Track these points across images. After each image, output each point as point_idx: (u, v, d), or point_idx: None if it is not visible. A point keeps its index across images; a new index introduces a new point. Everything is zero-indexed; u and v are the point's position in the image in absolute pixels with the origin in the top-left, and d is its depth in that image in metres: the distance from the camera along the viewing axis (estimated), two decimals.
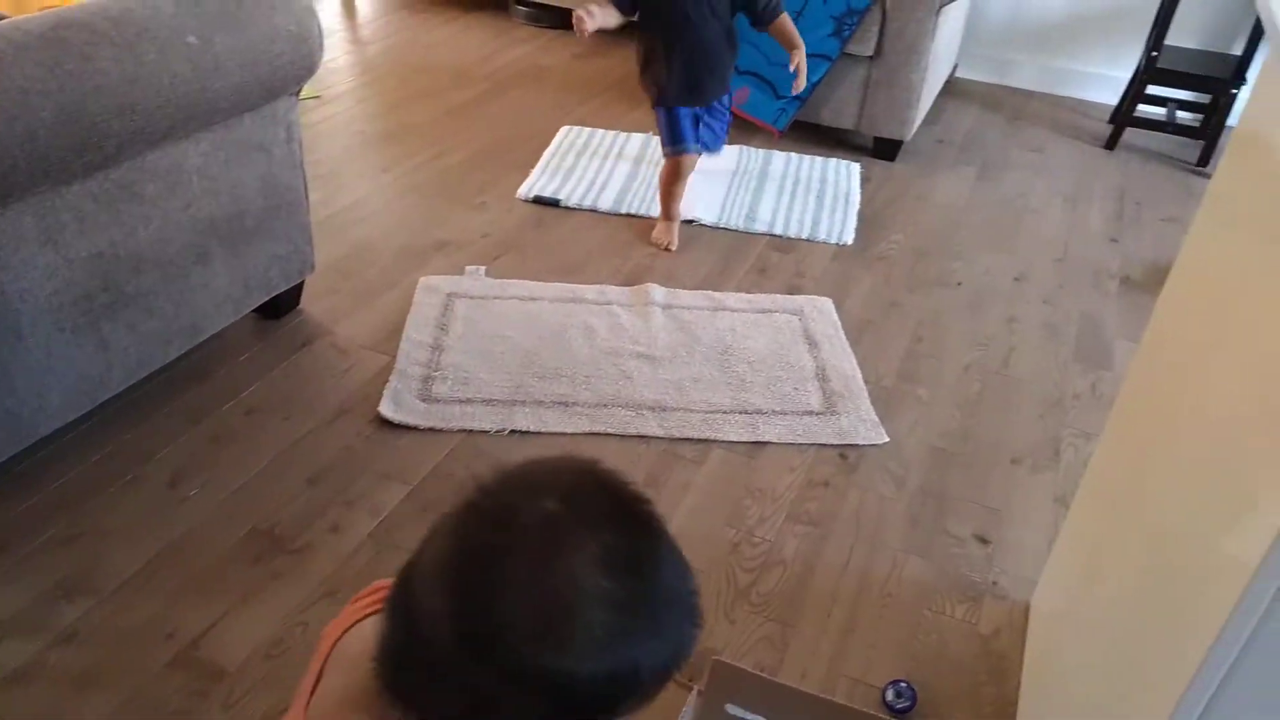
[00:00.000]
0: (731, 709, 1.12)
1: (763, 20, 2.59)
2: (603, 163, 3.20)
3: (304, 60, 1.94)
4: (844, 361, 2.31)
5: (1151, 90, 3.60)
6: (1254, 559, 0.74)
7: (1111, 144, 3.66)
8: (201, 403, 2.05)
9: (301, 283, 2.31)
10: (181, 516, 1.78)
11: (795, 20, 2.63)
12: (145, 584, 1.65)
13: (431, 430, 2.02)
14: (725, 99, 2.76)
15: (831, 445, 2.07)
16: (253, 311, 2.19)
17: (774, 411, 2.14)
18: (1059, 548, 1.67)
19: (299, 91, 2.04)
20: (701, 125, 2.74)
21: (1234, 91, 3.48)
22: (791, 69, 2.61)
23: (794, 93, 2.69)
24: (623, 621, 0.69)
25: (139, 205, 1.75)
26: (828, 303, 2.54)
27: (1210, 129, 3.56)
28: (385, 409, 2.06)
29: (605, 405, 2.12)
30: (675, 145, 2.72)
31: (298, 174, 2.11)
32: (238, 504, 1.82)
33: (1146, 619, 1.02)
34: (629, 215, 2.93)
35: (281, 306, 2.30)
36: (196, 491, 1.84)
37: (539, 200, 2.97)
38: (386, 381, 2.13)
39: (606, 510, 0.74)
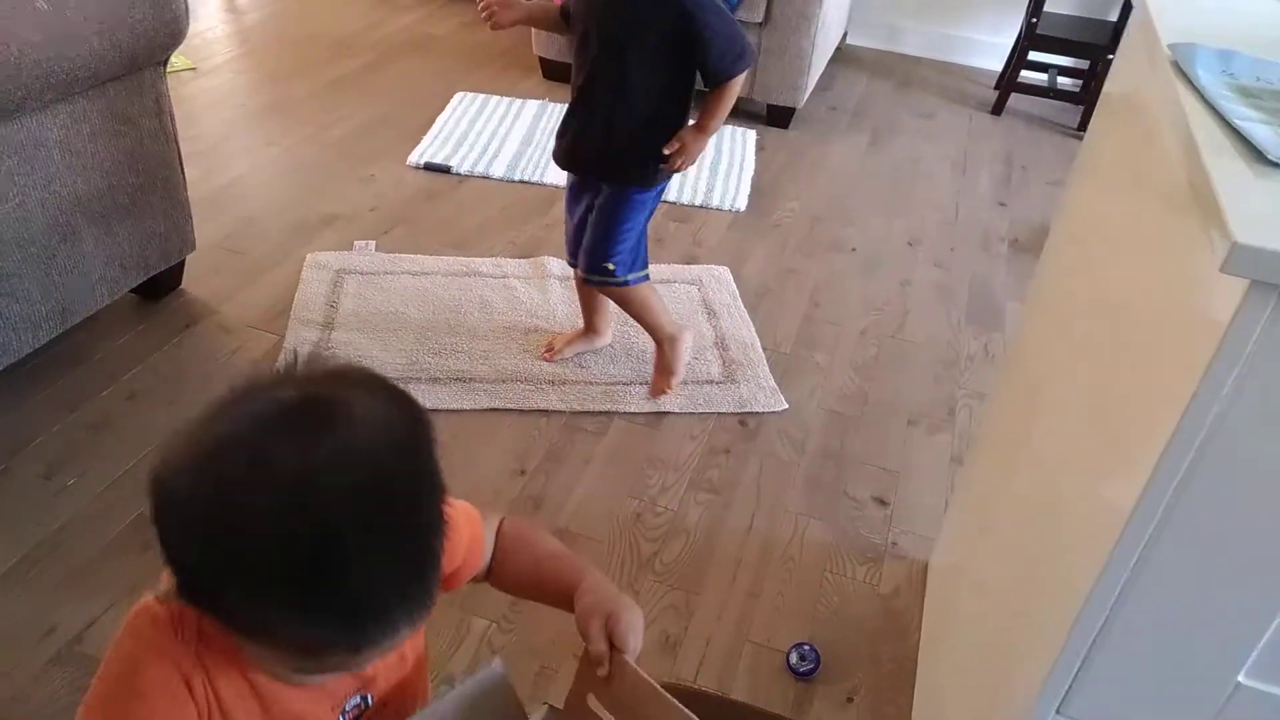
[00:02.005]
0: (592, 702, 0.94)
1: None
2: (496, 129, 3.15)
3: (168, 27, 1.83)
4: (742, 330, 2.32)
5: (1033, 56, 3.68)
6: (1128, 501, 0.75)
7: (998, 109, 3.74)
8: (78, 389, 1.95)
9: (182, 262, 2.21)
10: (59, 508, 1.70)
11: None
12: (21, 580, 1.57)
13: None
14: None
15: (732, 413, 2.07)
16: (131, 292, 2.10)
17: None
18: (954, 506, 1.71)
19: (166, 61, 1.93)
20: None
21: (1110, 57, 3.57)
22: (671, 146, 1.82)
23: (669, 168, 1.87)
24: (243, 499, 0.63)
25: None
26: (725, 271, 2.54)
27: (1089, 94, 3.67)
28: None
29: (504, 380, 2.09)
30: (646, 264, 2.00)
31: (171, 148, 2.01)
32: (121, 492, 1.74)
33: (1032, 569, 1.05)
34: (522, 183, 2.88)
35: (161, 287, 2.20)
36: (75, 481, 1.75)
37: (429, 167, 2.90)
38: (275, 362, 2.06)
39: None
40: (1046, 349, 1.27)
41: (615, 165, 1.89)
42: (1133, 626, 0.79)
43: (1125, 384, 0.88)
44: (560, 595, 0.92)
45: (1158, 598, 0.78)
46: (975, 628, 1.30)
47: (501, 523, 0.99)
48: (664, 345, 2.07)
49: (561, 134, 1.92)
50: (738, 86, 1.83)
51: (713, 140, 3.14)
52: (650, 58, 1.77)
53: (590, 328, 2.18)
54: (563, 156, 1.94)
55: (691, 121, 1.84)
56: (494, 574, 0.98)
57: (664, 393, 2.08)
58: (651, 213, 1.97)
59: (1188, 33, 0.94)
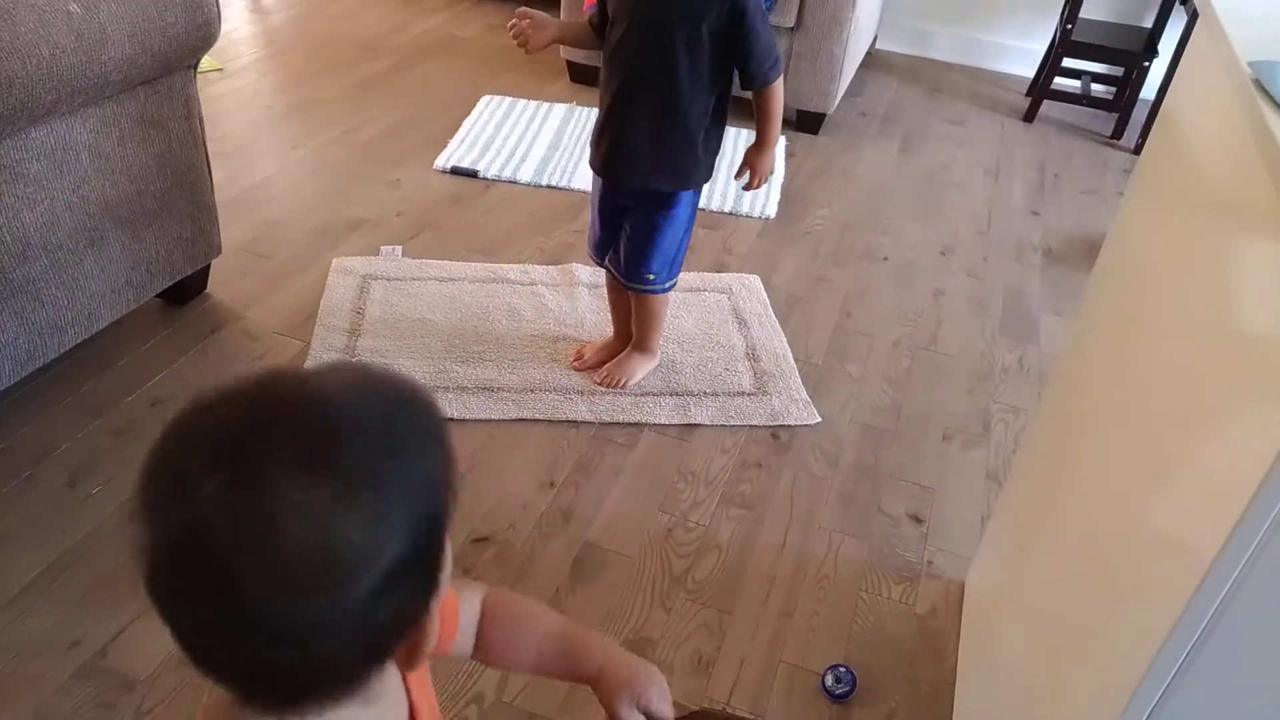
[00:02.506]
0: None
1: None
2: (524, 132, 3.12)
3: (199, 30, 1.82)
4: (774, 340, 2.28)
5: (1067, 63, 3.63)
6: (1211, 541, 0.72)
7: (1030, 116, 3.69)
8: (103, 394, 1.93)
9: (207, 266, 2.19)
10: (84, 516, 1.68)
11: None
12: (46, 590, 1.55)
13: None
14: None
15: (763, 426, 2.04)
16: (156, 297, 2.07)
17: (705, 393, 2.10)
18: (993, 525, 1.67)
19: (197, 64, 1.91)
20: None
21: (1145, 64, 3.52)
22: (740, 173, 1.93)
23: (747, 189, 1.95)
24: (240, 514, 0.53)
25: (23, 186, 1.63)
26: (756, 280, 2.51)
27: (1123, 102, 3.61)
28: None
29: (532, 390, 2.06)
30: (678, 272, 2.02)
31: (199, 152, 1.99)
32: None
33: (1089, 599, 1.01)
34: (550, 188, 2.85)
35: (187, 291, 2.18)
36: (100, 489, 1.73)
37: (456, 171, 2.88)
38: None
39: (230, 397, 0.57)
40: (1100, 369, 1.23)
41: (661, 169, 1.85)
42: (1214, 669, 0.75)
43: (1197, 411, 0.84)
44: (570, 674, 0.92)
45: (1242, 638, 0.74)
46: (1018, 653, 1.26)
47: (485, 597, 0.93)
48: (642, 352, 2.11)
49: (597, 141, 1.89)
50: (781, 94, 1.83)
51: (741, 145, 3.13)
52: (695, 54, 1.73)
53: (620, 336, 2.15)
54: (601, 163, 1.90)
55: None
56: (483, 651, 0.92)
57: (612, 387, 2.08)
58: (693, 216, 1.95)
59: (1261, 47, 0.90)
